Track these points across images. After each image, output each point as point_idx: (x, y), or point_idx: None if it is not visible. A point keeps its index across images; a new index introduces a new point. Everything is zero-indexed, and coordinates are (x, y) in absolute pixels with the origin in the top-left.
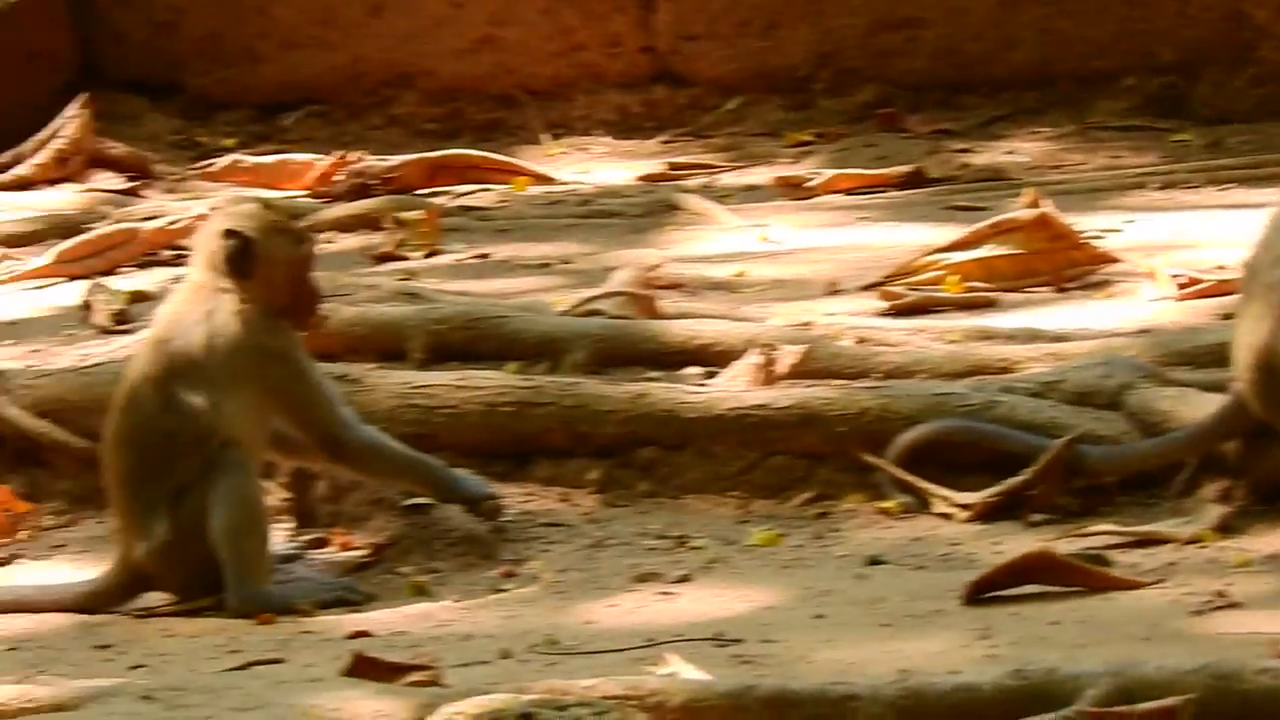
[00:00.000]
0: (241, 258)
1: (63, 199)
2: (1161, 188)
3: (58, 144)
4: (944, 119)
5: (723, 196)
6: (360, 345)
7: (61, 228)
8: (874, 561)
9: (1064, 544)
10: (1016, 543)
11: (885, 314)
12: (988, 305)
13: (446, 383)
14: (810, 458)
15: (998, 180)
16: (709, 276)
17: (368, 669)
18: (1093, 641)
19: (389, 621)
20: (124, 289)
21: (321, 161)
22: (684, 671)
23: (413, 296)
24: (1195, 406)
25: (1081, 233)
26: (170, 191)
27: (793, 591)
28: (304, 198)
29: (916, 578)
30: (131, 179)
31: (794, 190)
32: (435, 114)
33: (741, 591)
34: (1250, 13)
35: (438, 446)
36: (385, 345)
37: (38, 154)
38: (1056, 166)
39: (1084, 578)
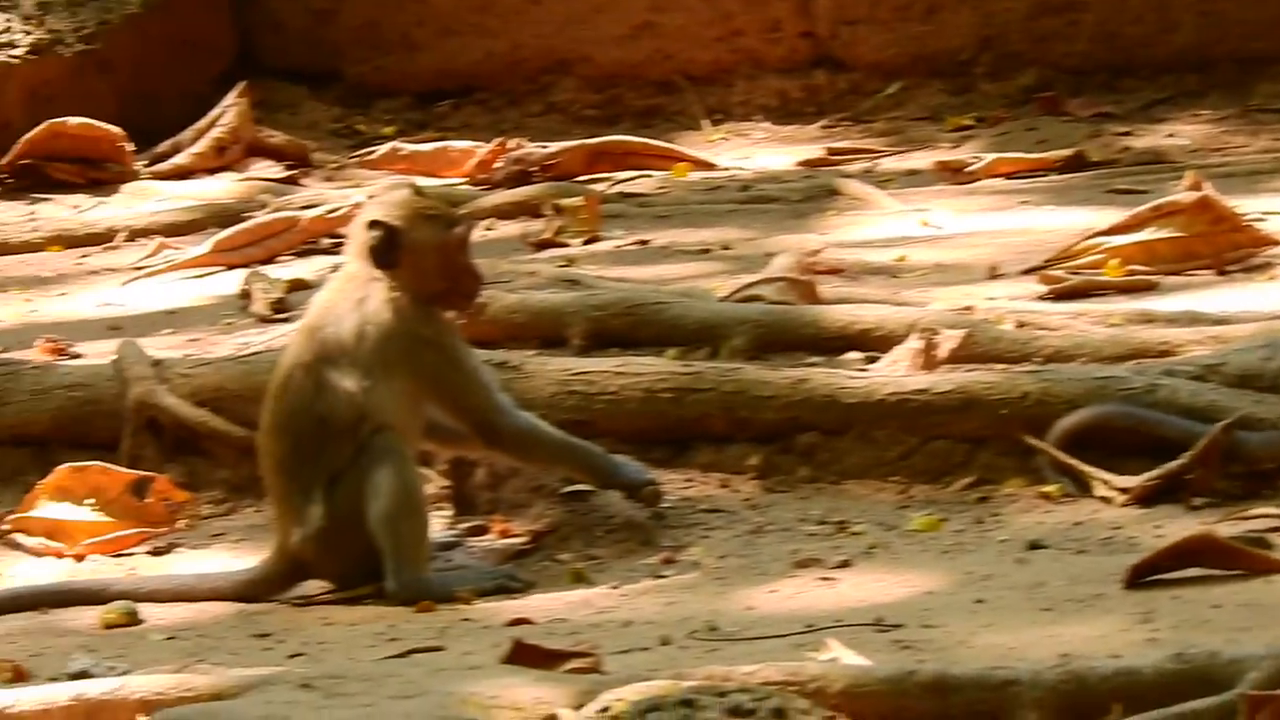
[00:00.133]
0: (386, 248)
1: (221, 188)
2: None
3: (216, 133)
4: (1105, 102)
5: (883, 181)
6: (520, 332)
7: (220, 217)
8: (1034, 546)
9: (1225, 527)
10: (1177, 526)
11: (1046, 298)
12: (1149, 289)
13: (606, 369)
14: (971, 442)
15: (1158, 163)
16: (869, 261)
17: (527, 656)
18: (1255, 625)
19: (548, 608)
20: (282, 277)
21: (481, 149)
22: (844, 657)
23: (572, 283)
24: None
25: (1243, 215)
26: (329, 180)
27: (953, 576)
28: (463, 185)
29: (1077, 562)
30: (290, 167)
31: (955, 174)
32: (594, 100)
33: (902, 576)
34: None
35: (597, 433)
36: (545, 332)
37: (196, 143)
38: (1218, 149)
39: (1246, 561)
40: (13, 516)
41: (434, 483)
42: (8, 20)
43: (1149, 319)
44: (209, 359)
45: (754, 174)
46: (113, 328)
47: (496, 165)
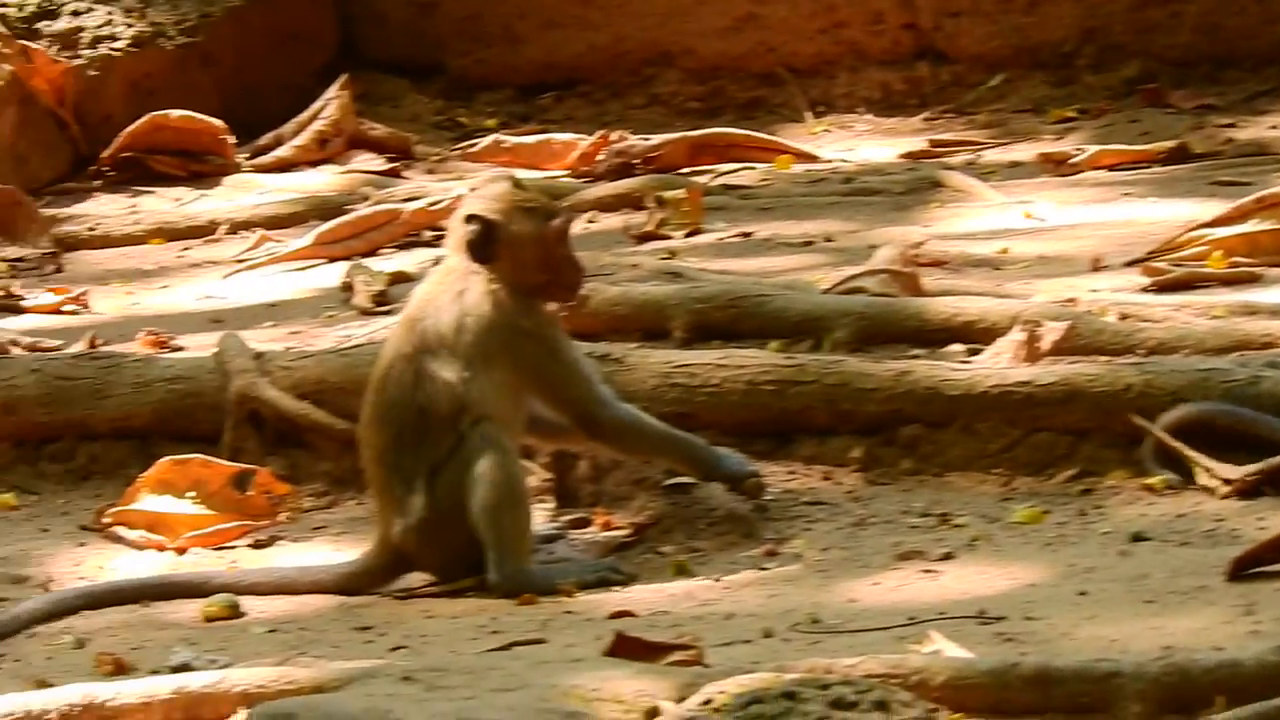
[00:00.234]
0: (484, 242)
1: (323, 180)
2: None
3: (318, 125)
4: (1208, 94)
5: (986, 173)
6: (622, 325)
7: (322, 209)
8: (1137, 538)
9: None
10: None
11: (1149, 290)
12: (1251, 280)
13: (708, 361)
14: (1074, 434)
15: (1261, 155)
16: (972, 253)
17: (629, 649)
18: None
19: (651, 601)
20: (384, 270)
21: (583, 141)
22: (947, 649)
23: (675, 275)
24: None
25: None
26: (431, 172)
27: (1056, 569)
28: (565, 177)
29: (1180, 554)
30: (392, 160)
31: (1057, 166)
32: (697, 92)
33: (1004, 569)
34: None
35: (699, 425)
36: (647, 324)
37: (298, 136)
38: None
39: None
40: (114, 510)
41: (536, 475)
42: (110, 13)
43: (1252, 311)
44: (310, 352)
45: (857, 166)
46: (214, 320)
47: (599, 158)
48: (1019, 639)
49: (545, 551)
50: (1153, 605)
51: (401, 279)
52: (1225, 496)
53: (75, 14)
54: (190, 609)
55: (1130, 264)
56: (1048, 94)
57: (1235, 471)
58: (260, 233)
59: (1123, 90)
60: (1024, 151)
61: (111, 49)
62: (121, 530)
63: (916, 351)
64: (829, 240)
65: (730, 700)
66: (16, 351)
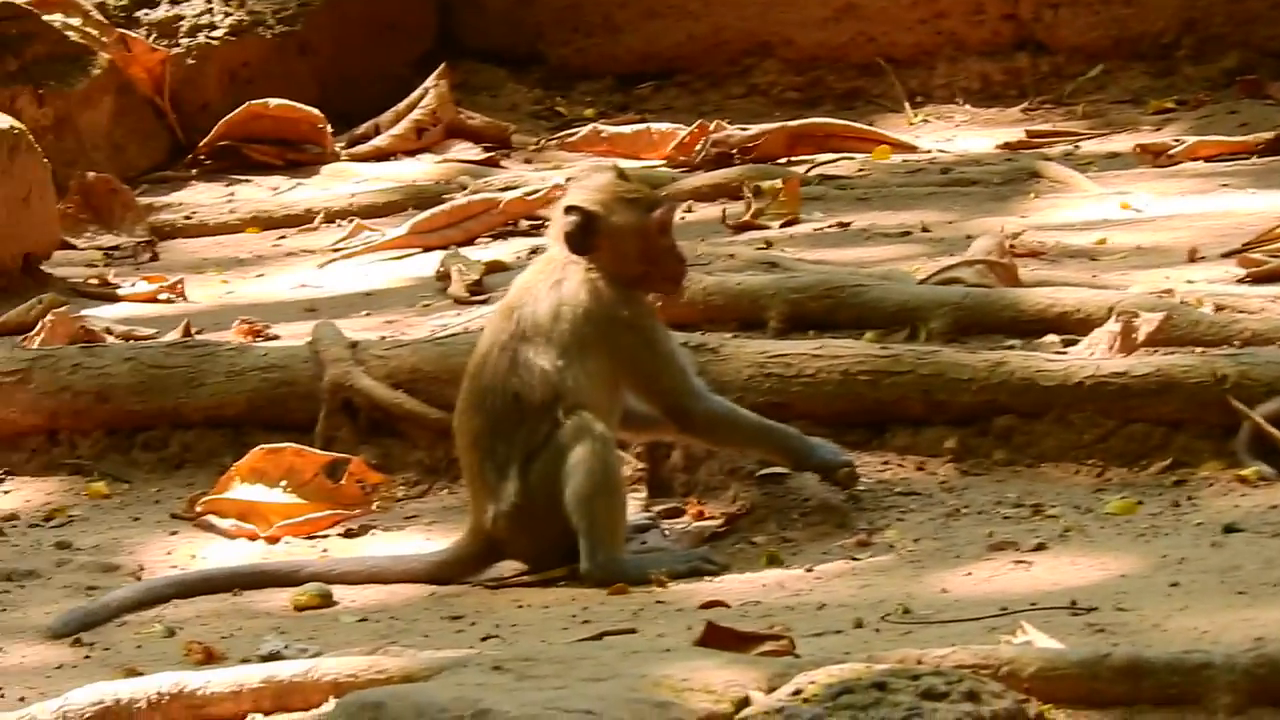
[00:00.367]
0: (582, 233)
1: (420, 170)
2: None
3: (416, 115)
4: None
5: (1084, 164)
6: (718, 314)
7: (418, 198)
8: (1230, 529)
9: None
10: None
11: (1245, 281)
12: None
13: (803, 352)
14: (1168, 425)
15: None
16: (1069, 244)
17: (720, 639)
18: None
19: (743, 591)
20: (480, 259)
21: (681, 131)
22: (1037, 640)
23: (771, 265)
24: None
25: None
26: (528, 162)
27: (1148, 560)
28: (663, 167)
29: (1273, 545)
30: (489, 149)
31: (1155, 157)
32: (796, 83)
33: (1096, 559)
34: None
35: (794, 415)
36: (743, 314)
37: (396, 125)
38: None
39: None
40: (206, 498)
41: (629, 465)
42: (208, 2)
43: None
44: (405, 341)
45: (955, 156)
46: (309, 309)
47: (697, 148)
48: (1110, 630)
49: (638, 541)
50: (1244, 597)
51: (497, 268)
52: None
53: (174, 2)
54: (281, 598)
55: (1227, 255)
56: (1147, 85)
57: None
58: (356, 221)
59: (1222, 81)
60: (1122, 142)
61: (210, 37)
62: (213, 519)
63: (1012, 342)
64: (926, 230)
65: (820, 691)
66: (111, 340)
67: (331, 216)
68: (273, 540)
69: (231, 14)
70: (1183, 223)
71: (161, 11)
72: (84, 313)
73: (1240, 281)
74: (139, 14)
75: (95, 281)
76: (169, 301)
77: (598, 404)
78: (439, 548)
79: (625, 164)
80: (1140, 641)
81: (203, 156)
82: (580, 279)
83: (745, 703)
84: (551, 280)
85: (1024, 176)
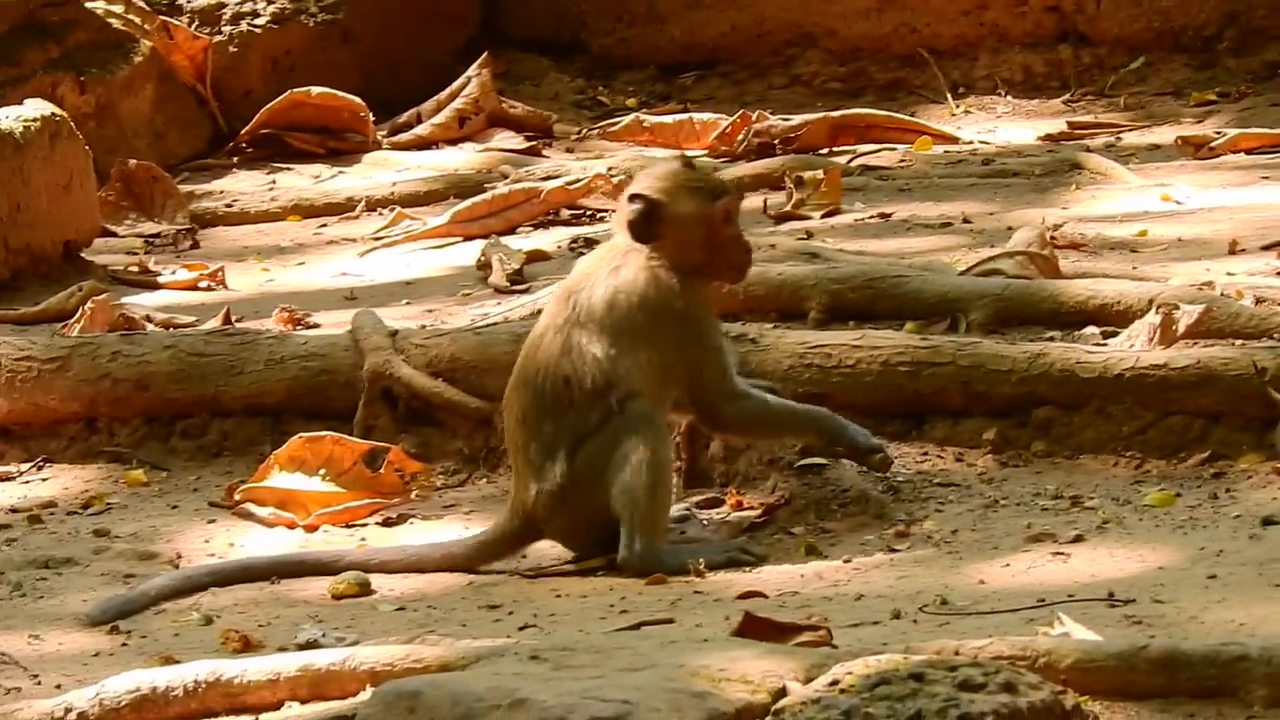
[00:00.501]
0: (645, 221)
1: (462, 159)
2: None
3: (458, 104)
4: None
5: (1125, 156)
6: (759, 304)
7: (460, 187)
8: (1268, 522)
9: None
10: None
11: None
12: None
13: (844, 342)
14: (1207, 418)
15: None
16: (1110, 236)
17: (758, 629)
18: None
19: (781, 582)
20: (521, 248)
21: (723, 121)
22: (1075, 632)
23: (812, 256)
24: None
25: None
26: (570, 151)
27: (1186, 552)
28: (705, 157)
29: None
30: (531, 138)
31: (1197, 150)
32: (838, 73)
33: (1134, 551)
34: None
35: (833, 406)
36: (784, 304)
37: (438, 114)
38: None
39: None
40: (245, 487)
41: None
42: None
43: None
44: (445, 330)
45: (996, 148)
46: (349, 298)
47: (739, 138)
48: (1147, 622)
49: (676, 531)
50: None
51: (538, 257)
52: None
53: None
54: (319, 587)
55: (1267, 248)
56: (1188, 77)
57: None
58: (397, 210)
59: (1263, 74)
60: (1163, 134)
61: (252, 25)
62: (251, 507)
63: (1052, 334)
64: (967, 222)
65: (858, 681)
66: (151, 328)
67: (373, 205)
68: (311, 529)
69: (274, 2)
70: (1223, 215)
71: None
72: (124, 300)
73: None
74: (181, 1)
75: (135, 269)
76: (209, 289)
77: (650, 393)
78: (476, 533)
79: (663, 154)
80: (1177, 634)
81: (244, 144)
82: (639, 267)
83: (782, 693)
84: (611, 266)
85: (1065, 168)
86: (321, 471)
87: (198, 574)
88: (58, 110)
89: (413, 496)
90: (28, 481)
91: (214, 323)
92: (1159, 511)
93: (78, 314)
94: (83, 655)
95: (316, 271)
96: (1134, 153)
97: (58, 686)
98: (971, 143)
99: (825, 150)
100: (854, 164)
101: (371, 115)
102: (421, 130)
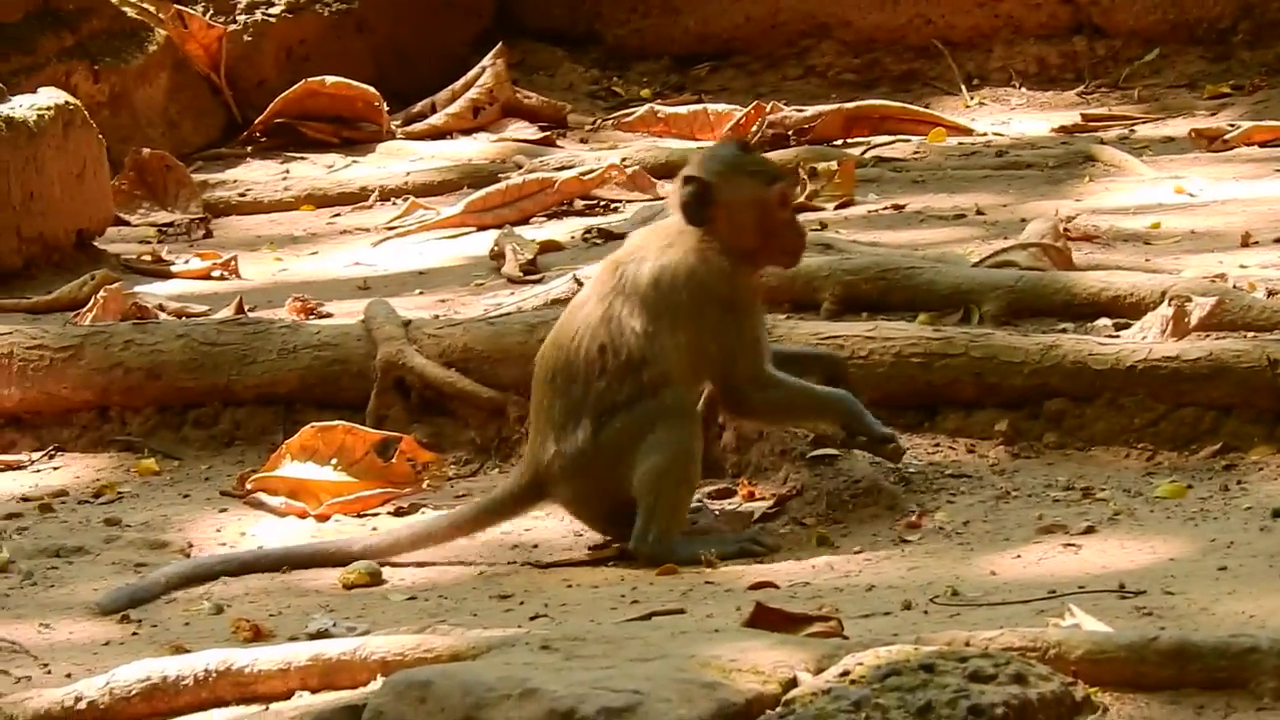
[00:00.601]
0: (699, 203)
1: (476, 148)
2: None
3: (472, 94)
4: None
5: (1139, 148)
6: (772, 295)
7: (474, 177)
8: (1279, 514)
9: None
10: None
11: None
12: None
13: (856, 333)
14: (1219, 410)
15: None
16: (1123, 228)
17: (769, 620)
18: None
19: (792, 572)
20: (535, 239)
21: (738, 112)
22: (1085, 623)
23: (825, 247)
24: None
25: None
26: (584, 141)
27: (1197, 543)
28: None
29: None
30: (545, 129)
31: (1210, 142)
32: (852, 65)
33: (1145, 543)
34: None
35: None
36: (797, 295)
37: (452, 103)
38: None
39: None
40: (257, 476)
41: None
42: None
43: None
44: (458, 320)
45: (1010, 140)
46: (362, 287)
47: (753, 129)
48: (1158, 613)
49: (688, 522)
50: None
51: (551, 248)
52: None
53: None
54: (329, 576)
55: None
56: (1203, 69)
57: None
58: (411, 200)
59: (1278, 67)
60: (1177, 127)
61: (266, 14)
62: (263, 497)
63: (1064, 326)
64: (980, 213)
65: (868, 672)
66: (163, 317)
67: (386, 195)
68: (322, 518)
69: None
70: (1237, 207)
71: None
72: (137, 289)
73: None
74: None
75: (148, 258)
76: (222, 279)
77: (683, 378)
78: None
79: (677, 144)
80: (1187, 625)
81: (258, 134)
82: (690, 248)
83: (793, 683)
84: (662, 244)
85: (1079, 160)
86: (333, 461)
87: (209, 562)
88: (71, 99)
89: (425, 486)
90: (39, 470)
91: (227, 312)
92: (1170, 503)
93: (90, 303)
94: (93, 644)
95: (330, 261)
96: (1148, 145)
97: (68, 675)
98: (985, 134)
99: (839, 141)
100: (868, 155)
101: (385, 105)
102: (435, 120)
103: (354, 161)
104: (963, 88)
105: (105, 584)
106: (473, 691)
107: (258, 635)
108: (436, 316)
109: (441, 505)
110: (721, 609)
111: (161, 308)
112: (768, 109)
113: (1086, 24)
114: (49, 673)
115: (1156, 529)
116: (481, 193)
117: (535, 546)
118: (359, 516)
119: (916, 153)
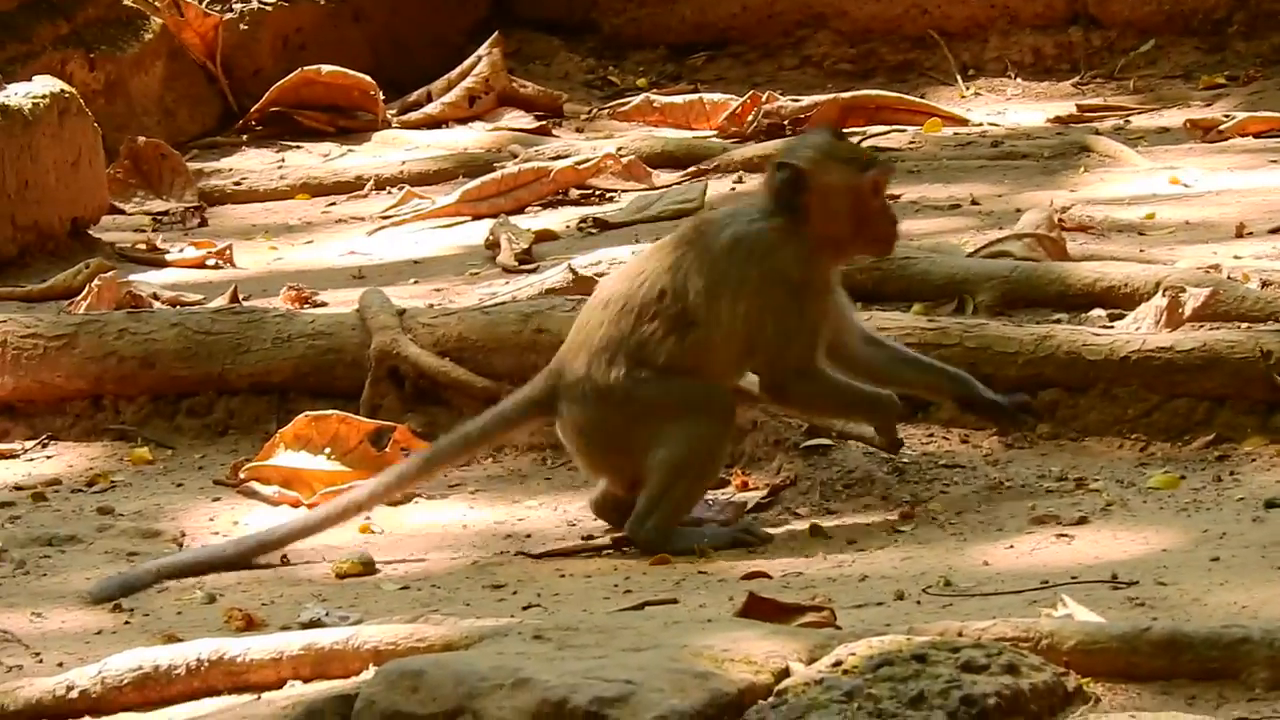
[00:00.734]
0: (792, 190)
1: (471, 138)
2: None
3: (468, 83)
4: None
5: (1134, 139)
6: None
7: (469, 166)
8: (1271, 504)
9: None
10: None
11: None
12: None
13: None
14: (1212, 400)
15: None
16: (1118, 219)
17: (762, 610)
18: None
19: (785, 562)
20: (530, 228)
21: (734, 102)
22: (1078, 613)
23: None
24: None
25: None
26: (579, 131)
27: (1189, 534)
28: (714, 138)
29: None
30: (541, 118)
31: (1205, 133)
32: (849, 55)
33: (1138, 534)
34: None
35: None
36: None
37: (448, 92)
38: None
39: None
40: (250, 465)
41: None
42: None
43: None
44: (453, 309)
45: (1005, 130)
46: (357, 276)
47: (749, 118)
48: (1150, 604)
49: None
50: None
51: (547, 237)
52: None
53: None
54: (322, 565)
55: (1275, 231)
56: (1198, 60)
57: None
58: (406, 189)
59: (1273, 57)
60: (1172, 117)
61: (263, 3)
62: (256, 486)
63: (1059, 316)
64: (975, 204)
65: (861, 662)
66: (158, 305)
67: (382, 184)
68: (315, 507)
69: None
70: (1231, 198)
71: None
72: (131, 278)
73: None
74: None
75: (143, 247)
76: (217, 267)
77: (726, 355)
78: (481, 513)
79: (676, 134)
80: (1180, 616)
81: (254, 122)
82: (776, 226)
83: (786, 673)
84: (750, 218)
85: (1074, 151)
86: (327, 450)
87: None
88: (67, 87)
89: None
90: (32, 459)
91: (221, 301)
92: (1163, 494)
93: (84, 291)
94: (85, 633)
95: (324, 250)
96: (1142, 135)
97: (60, 664)
98: (981, 125)
99: None
100: (864, 145)
101: (381, 94)
102: (431, 109)
103: (349, 150)
104: (958, 78)
105: (98, 573)
106: (465, 681)
107: (250, 624)
108: (431, 306)
109: (434, 494)
110: (714, 599)
111: (156, 296)
112: (763, 99)
113: (1082, 14)
114: (41, 662)
115: (1149, 520)
116: (477, 182)
117: (528, 536)
118: None
119: (912, 143)
